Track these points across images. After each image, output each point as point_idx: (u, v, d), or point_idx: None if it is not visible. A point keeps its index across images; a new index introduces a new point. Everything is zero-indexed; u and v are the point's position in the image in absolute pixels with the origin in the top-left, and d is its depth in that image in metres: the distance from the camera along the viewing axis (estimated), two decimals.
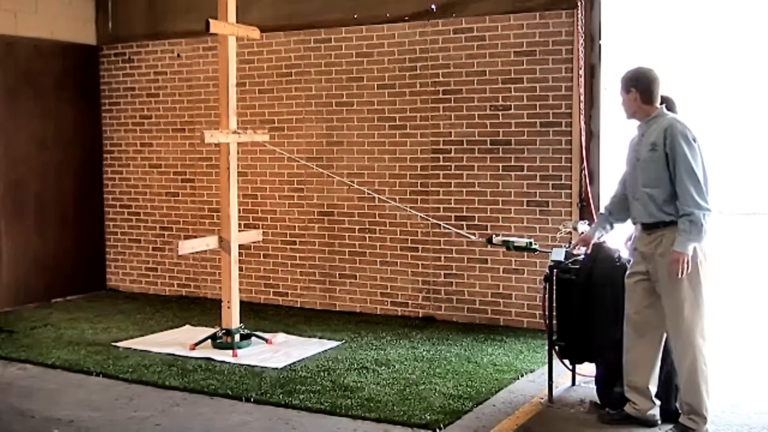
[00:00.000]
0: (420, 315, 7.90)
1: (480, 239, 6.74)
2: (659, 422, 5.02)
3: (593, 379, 5.48)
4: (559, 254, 5.45)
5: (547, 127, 7.32)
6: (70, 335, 7.36)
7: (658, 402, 5.02)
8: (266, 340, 6.97)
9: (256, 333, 7.01)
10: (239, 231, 7.14)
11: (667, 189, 4.78)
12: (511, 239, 5.94)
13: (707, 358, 4.84)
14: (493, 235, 5.95)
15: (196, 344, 6.86)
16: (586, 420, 5.20)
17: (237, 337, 6.82)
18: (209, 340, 6.88)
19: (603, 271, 5.23)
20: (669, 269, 4.73)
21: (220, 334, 6.85)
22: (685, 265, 4.68)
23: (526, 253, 7.05)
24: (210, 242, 7.05)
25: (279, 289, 8.58)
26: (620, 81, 5.01)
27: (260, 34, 7.21)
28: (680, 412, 4.93)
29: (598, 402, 5.31)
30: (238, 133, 6.89)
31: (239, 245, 7.19)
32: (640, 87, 4.89)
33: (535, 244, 5.85)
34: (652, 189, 4.83)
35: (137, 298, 9.12)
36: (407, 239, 7.93)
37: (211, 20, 6.62)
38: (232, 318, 6.86)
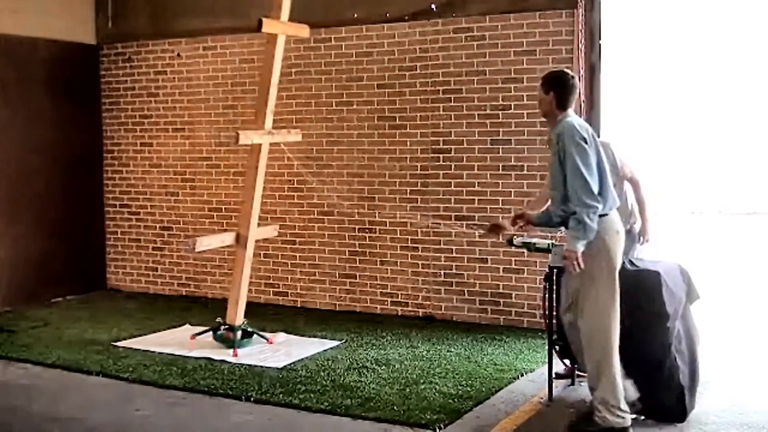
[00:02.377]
0: (420, 314, 7.90)
1: (480, 232, 6.70)
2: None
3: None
4: (558, 259, 5.44)
5: (547, 126, 7.30)
6: (70, 335, 7.36)
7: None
8: (267, 339, 6.97)
9: (258, 332, 7.01)
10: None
11: (562, 190, 4.87)
12: (533, 241, 5.83)
13: (614, 351, 4.83)
14: (514, 237, 5.88)
15: (197, 334, 6.89)
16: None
17: (239, 334, 6.82)
18: (211, 333, 6.88)
19: None
20: (564, 266, 4.89)
21: (222, 329, 6.84)
22: (576, 263, 4.73)
23: (526, 253, 7.06)
24: (226, 238, 7.02)
25: (279, 288, 8.58)
26: (542, 79, 5.12)
27: (309, 32, 7.13)
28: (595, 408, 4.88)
29: None
30: (272, 133, 6.81)
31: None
32: (559, 91, 4.98)
33: (557, 244, 5.77)
34: (553, 190, 4.98)
35: (137, 297, 9.12)
36: (407, 239, 7.93)
37: (264, 19, 6.46)
38: (237, 314, 6.85)
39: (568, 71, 5.15)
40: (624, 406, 4.84)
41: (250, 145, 6.83)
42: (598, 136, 7.10)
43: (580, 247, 4.72)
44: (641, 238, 5.98)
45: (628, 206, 5.93)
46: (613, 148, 5.81)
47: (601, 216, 4.77)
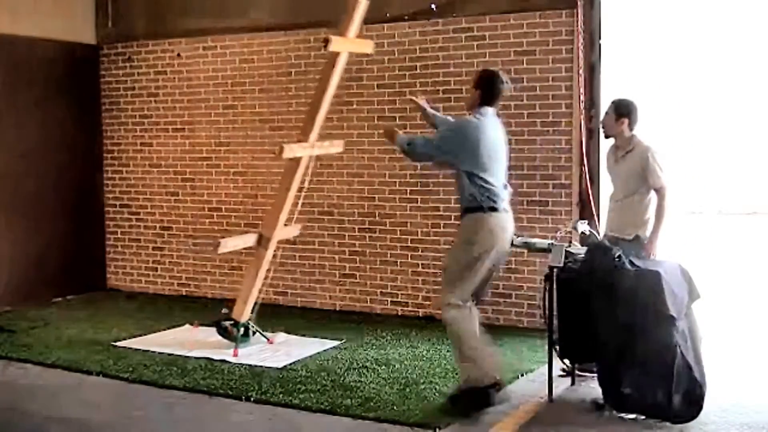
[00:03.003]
0: (420, 314, 7.90)
1: None
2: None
3: (594, 378, 5.49)
4: (557, 259, 5.44)
5: (547, 126, 7.32)
6: (70, 335, 7.36)
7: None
8: (267, 339, 6.97)
9: (261, 331, 7.00)
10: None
11: None
12: (532, 240, 5.92)
13: (468, 327, 5.33)
14: (514, 237, 5.91)
15: (201, 324, 7.02)
16: (586, 419, 5.20)
17: (242, 331, 6.82)
18: (215, 325, 6.91)
19: (603, 270, 5.23)
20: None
21: (226, 324, 6.84)
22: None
23: (527, 253, 7.06)
24: (249, 240, 6.97)
25: (279, 288, 8.57)
26: (475, 74, 5.65)
27: (373, 49, 6.97)
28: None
29: (599, 401, 5.31)
30: (315, 146, 6.69)
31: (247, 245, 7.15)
32: (485, 90, 5.43)
33: (557, 244, 5.76)
34: None
35: (137, 297, 9.12)
36: (407, 239, 7.93)
37: (332, 37, 6.26)
38: (245, 312, 6.85)
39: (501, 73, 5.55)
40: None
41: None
42: (598, 136, 7.14)
43: (399, 142, 5.54)
44: (645, 252, 5.70)
45: (644, 215, 5.81)
46: (651, 154, 5.70)
47: (480, 211, 5.29)
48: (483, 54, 7.50)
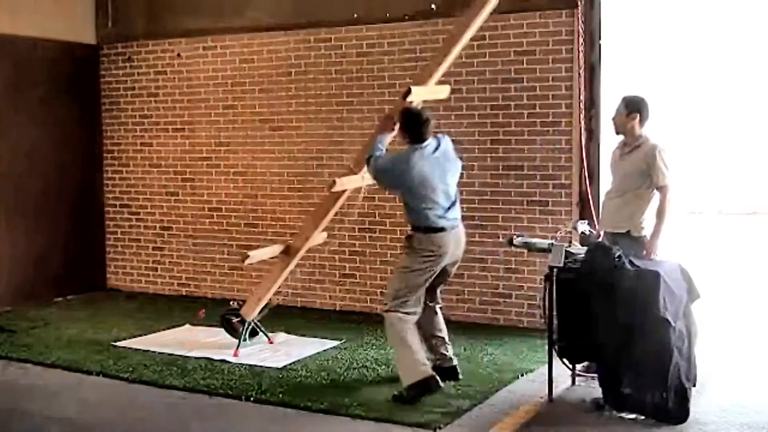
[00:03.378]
0: None
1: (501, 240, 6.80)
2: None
3: (594, 378, 5.49)
4: (557, 259, 5.44)
5: (547, 126, 7.31)
6: (70, 335, 7.36)
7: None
8: (268, 339, 6.97)
9: (264, 331, 6.99)
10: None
11: None
12: (533, 241, 5.91)
13: (403, 330, 5.62)
14: (514, 237, 5.93)
15: (205, 312, 7.18)
16: (586, 419, 5.20)
17: (248, 329, 6.81)
18: (220, 317, 6.93)
19: (603, 270, 5.23)
20: None
21: (231, 318, 6.83)
22: None
23: (526, 252, 7.06)
24: (276, 250, 6.95)
25: (279, 288, 8.56)
26: (398, 116, 5.90)
27: (449, 93, 6.83)
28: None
29: (600, 401, 5.31)
30: (365, 177, 6.51)
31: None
32: (412, 131, 5.75)
33: (557, 244, 5.75)
34: None
35: (137, 297, 9.12)
36: None
37: (413, 88, 6.13)
38: (254, 312, 6.83)
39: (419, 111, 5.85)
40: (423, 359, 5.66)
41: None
42: (598, 137, 7.14)
43: (379, 142, 5.96)
44: (645, 252, 5.70)
45: (640, 211, 5.81)
46: (658, 152, 5.70)
47: (419, 232, 5.71)
48: (483, 54, 7.50)
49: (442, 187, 5.70)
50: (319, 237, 7.31)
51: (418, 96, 6.25)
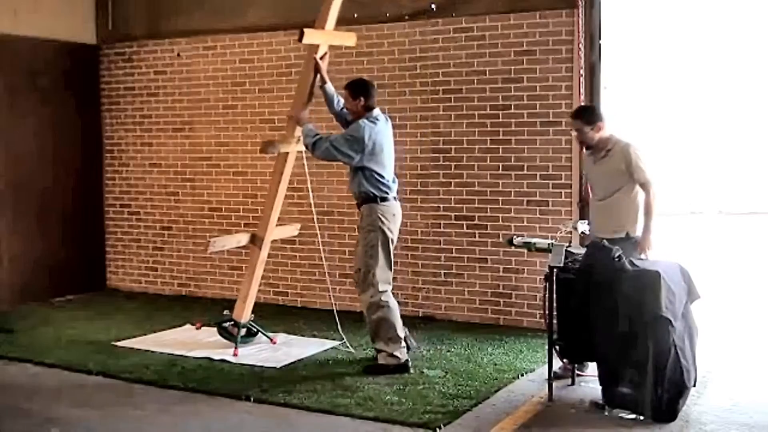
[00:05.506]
0: (420, 314, 7.90)
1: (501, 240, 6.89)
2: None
3: (594, 378, 5.49)
4: (557, 259, 5.44)
5: (547, 126, 7.32)
6: (70, 335, 7.36)
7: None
8: (271, 339, 6.97)
9: (263, 331, 6.99)
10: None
11: None
12: (533, 240, 5.92)
13: (383, 307, 6.14)
14: (514, 237, 5.94)
15: (203, 324, 7.06)
16: (586, 419, 5.20)
17: (243, 331, 6.81)
18: (216, 326, 6.91)
19: (603, 270, 5.23)
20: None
21: (227, 325, 6.83)
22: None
23: (526, 252, 7.06)
24: (242, 239, 7.01)
25: (279, 288, 8.58)
26: (346, 87, 6.20)
27: (356, 41, 6.89)
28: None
29: (600, 401, 5.31)
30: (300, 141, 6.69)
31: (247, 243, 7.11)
32: (366, 95, 6.13)
33: (557, 244, 5.75)
34: None
35: (137, 297, 9.12)
36: (407, 238, 7.92)
37: (306, 30, 6.05)
38: (245, 312, 6.84)
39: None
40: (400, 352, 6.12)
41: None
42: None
43: (306, 131, 6.27)
44: (639, 250, 5.72)
45: (632, 210, 5.83)
46: (633, 150, 5.76)
47: (382, 200, 6.12)
48: (483, 54, 7.51)
49: (393, 159, 6.26)
50: (289, 229, 7.39)
51: (312, 38, 6.29)
